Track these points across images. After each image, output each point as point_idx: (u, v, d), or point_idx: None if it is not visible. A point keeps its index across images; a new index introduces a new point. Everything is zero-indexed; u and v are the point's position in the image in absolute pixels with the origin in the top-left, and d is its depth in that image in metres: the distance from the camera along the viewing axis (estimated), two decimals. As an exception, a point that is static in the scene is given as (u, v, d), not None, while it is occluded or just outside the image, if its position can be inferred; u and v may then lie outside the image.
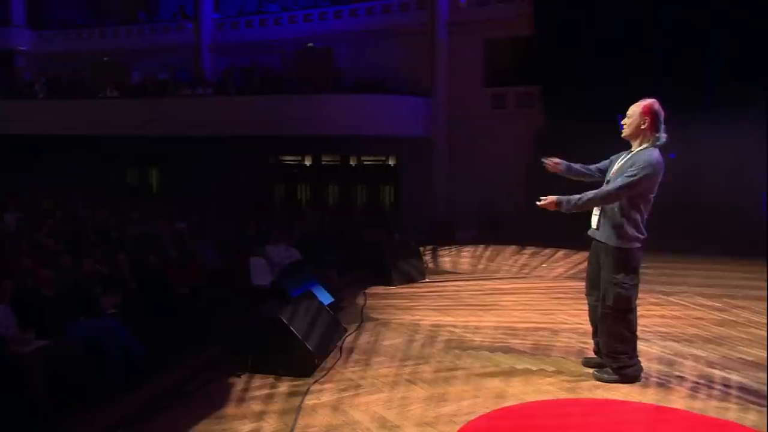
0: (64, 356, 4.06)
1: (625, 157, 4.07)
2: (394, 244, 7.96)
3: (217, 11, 16.41)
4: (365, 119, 13.37)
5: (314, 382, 4.10)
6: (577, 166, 4.30)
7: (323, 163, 15.72)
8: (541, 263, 8.95)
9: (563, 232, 10.88)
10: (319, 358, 4.31)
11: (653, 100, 4.01)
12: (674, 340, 5.08)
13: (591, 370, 4.27)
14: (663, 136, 3.95)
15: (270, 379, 4.18)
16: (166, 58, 16.36)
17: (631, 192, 3.86)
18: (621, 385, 4.02)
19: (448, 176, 13.86)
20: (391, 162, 15.35)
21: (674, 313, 5.99)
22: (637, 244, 3.93)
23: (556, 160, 4.21)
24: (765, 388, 3.99)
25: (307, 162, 15.84)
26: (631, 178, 3.82)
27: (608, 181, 4.09)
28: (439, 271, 8.39)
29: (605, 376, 4.11)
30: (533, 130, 13.04)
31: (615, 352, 4.05)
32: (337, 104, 13.40)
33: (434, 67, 13.74)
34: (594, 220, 4.11)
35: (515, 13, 13.09)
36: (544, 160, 4.23)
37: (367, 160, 15.50)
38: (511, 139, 13.19)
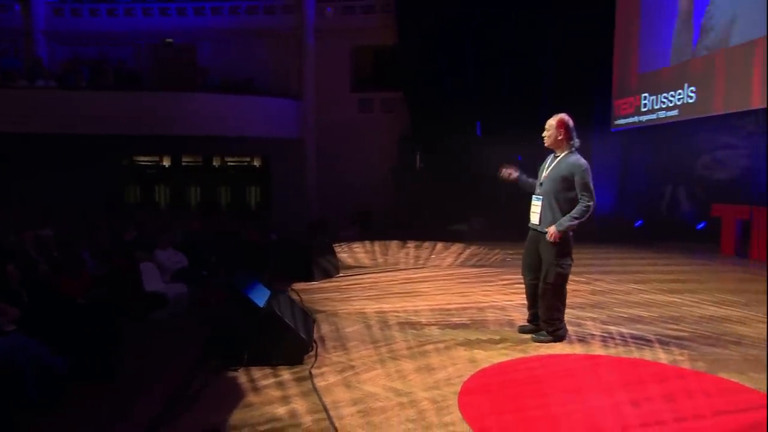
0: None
1: (553, 162, 5.09)
2: (314, 243, 8.33)
3: (51, -6, 14.80)
4: (234, 120, 13.29)
5: (311, 368, 4.43)
6: (524, 176, 5.24)
7: (184, 163, 15.16)
8: (430, 255, 9.96)
9: (431, 228, 12.19)
10: (311, 346, 4.65)
11: (564, 114, 5.09)
12: (570, 308, 6.21)
13: (527, 336, 5.24)
14: (577, 142, 5.04)
15: (267, 370, 4.38)
16: (-16, 43, 14.35)
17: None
18: (556, 344, 5.04)
19: (319, 177, 14.39)
20: (257, 163, 15.39)
21: (557, 287, 7.32)
22: (571, 233, 4.97)
23: (512, 170, 5.11)
24: (646, 334, 5.37)
25: (166, 163, 15.13)
26: (589, 184, 4.78)
27: (541, 184, 5.08)
28: (345, 266, 8.92)
29: (543, 338, 5.09)
30: (398, 133, 14.20)
31: (552, 318, 5.05)
32: (205, 104, 13.09)
33: (303, 71, 14.16)
34: (535, 217, 5.06)
35: (379, 23, 14.09)
36: (503, 170, 5.11)
37: (231, 161, 15.33)
38: (377, 141, 14.18)
